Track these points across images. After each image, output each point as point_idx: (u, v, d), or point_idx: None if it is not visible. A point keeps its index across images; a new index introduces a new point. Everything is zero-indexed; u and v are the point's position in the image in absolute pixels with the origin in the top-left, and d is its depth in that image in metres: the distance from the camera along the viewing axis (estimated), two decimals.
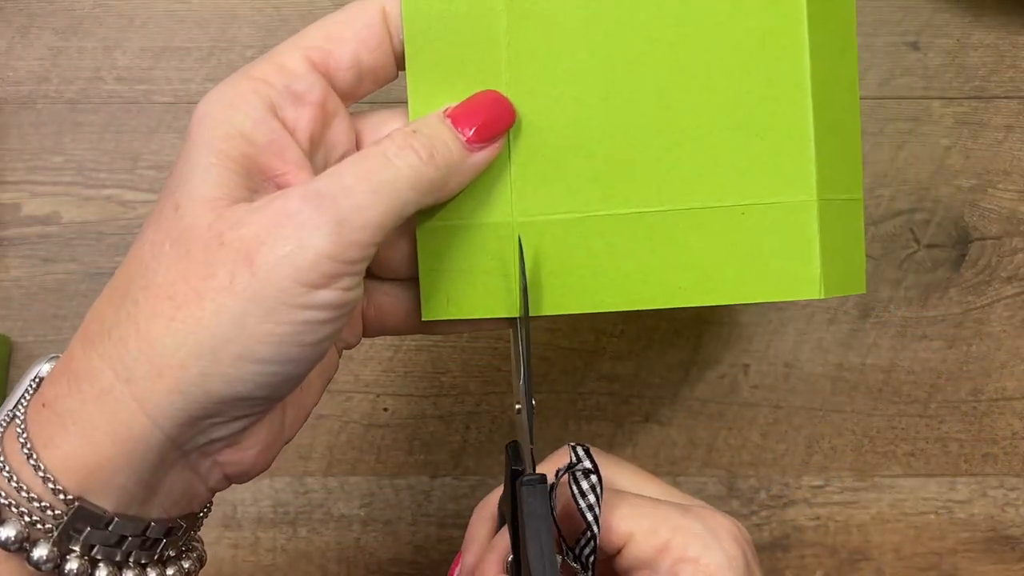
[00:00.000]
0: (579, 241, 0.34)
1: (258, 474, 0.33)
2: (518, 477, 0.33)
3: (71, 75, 0.50)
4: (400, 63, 0.34)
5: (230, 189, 0.30)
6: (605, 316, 0.52)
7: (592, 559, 0.34)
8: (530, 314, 0.34)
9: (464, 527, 0.52)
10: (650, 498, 0.35)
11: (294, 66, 0.32)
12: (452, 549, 0.52)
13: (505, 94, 0.34)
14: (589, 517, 0.33)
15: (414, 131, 0.31)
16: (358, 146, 0.35)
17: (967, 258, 0.51)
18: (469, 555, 0.39)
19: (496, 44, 0.34)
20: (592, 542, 0.33)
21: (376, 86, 0.35)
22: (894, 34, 0.51)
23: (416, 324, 0.36)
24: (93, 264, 0.50)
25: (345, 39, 0.33)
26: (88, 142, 0.50)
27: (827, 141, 0.33)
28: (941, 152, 0.51)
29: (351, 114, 0.35)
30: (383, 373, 0.52)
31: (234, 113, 0.31)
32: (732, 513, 0.52)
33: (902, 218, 0.51)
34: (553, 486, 0.34)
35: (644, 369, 0.52)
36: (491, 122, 0.33)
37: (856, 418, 0.52)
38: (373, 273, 0.36)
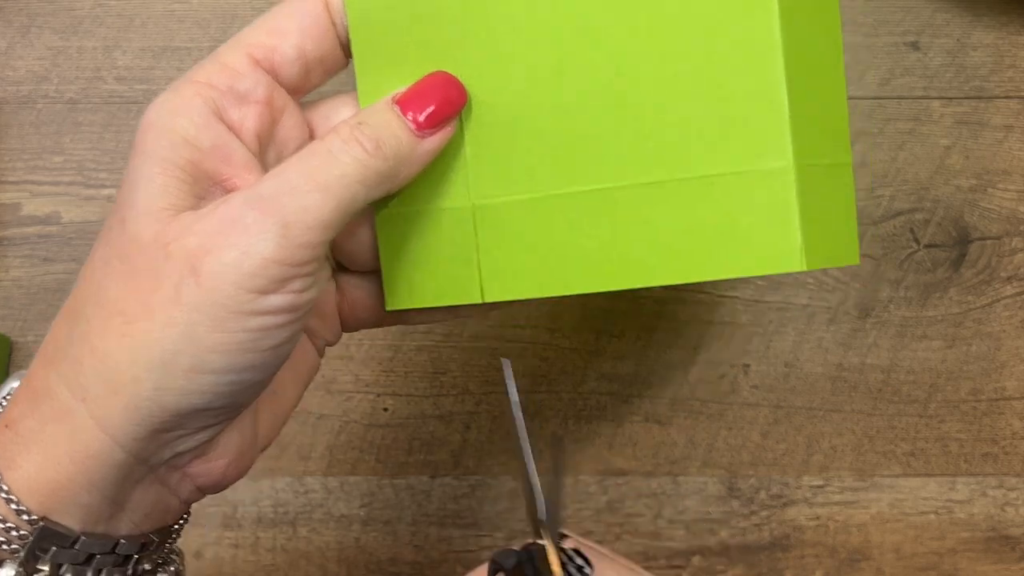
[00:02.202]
0: (540, 222, 0.32)
1: (232, 483, 0.33)
2: None
3: (71, 75, 0.50)
4: (348, 50, 0.34)
5: (175, 198, 0.30)
6: (606, 316, 0.52)
7: None
8: (493, 299, 0.33)
9: (464, 527, 0.52)
10: None
11: (237, 65, 0.32)
12: (452, 549, 0.52)
13: (455, 74, 0.32)
14: None
15: (359, 122, 0.30)
16: (311, 138, 0.34)
17: (967, 258, 0.51)
18: None
19: (443, 22, 0.33)
20: None
21: (327, 76, 0.34)
22: (894, 34, 0.51)
23: (391, 315, 0.36)
24: None
25: (288, 32, 0.32)
26: (88, 142, 0.50)
27: (805, 102, 0.31)
28: (941, 152, 0.51)
29: (304, 105, 0.34)
30: (383, 373, 0.52)
31: (177, 119, 0.31)
32: (732, 513, 0.52)
33: (902, 218, 0.51)
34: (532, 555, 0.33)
35: (644, 369, 0.52)
36: (441, 106, 0.32)
37: (856, 418, 0.52)
38: (343, 266, 0.36)
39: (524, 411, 0.34)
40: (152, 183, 0.30)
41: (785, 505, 0.52)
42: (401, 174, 0.31)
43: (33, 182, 0.50)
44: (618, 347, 0.52)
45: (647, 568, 0.52)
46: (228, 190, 0.31)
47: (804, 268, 0.30)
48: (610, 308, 0.52)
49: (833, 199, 0.32)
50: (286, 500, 0.52)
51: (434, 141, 0.32)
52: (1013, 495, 0.52)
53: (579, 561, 0.33)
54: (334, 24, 0.33)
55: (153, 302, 0.28)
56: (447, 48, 0.33)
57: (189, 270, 0.28)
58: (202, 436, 0.31)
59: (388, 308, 0.34)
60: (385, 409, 0.52)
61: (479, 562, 0.52)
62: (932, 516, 0.52)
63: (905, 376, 0.52)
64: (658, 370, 0.52)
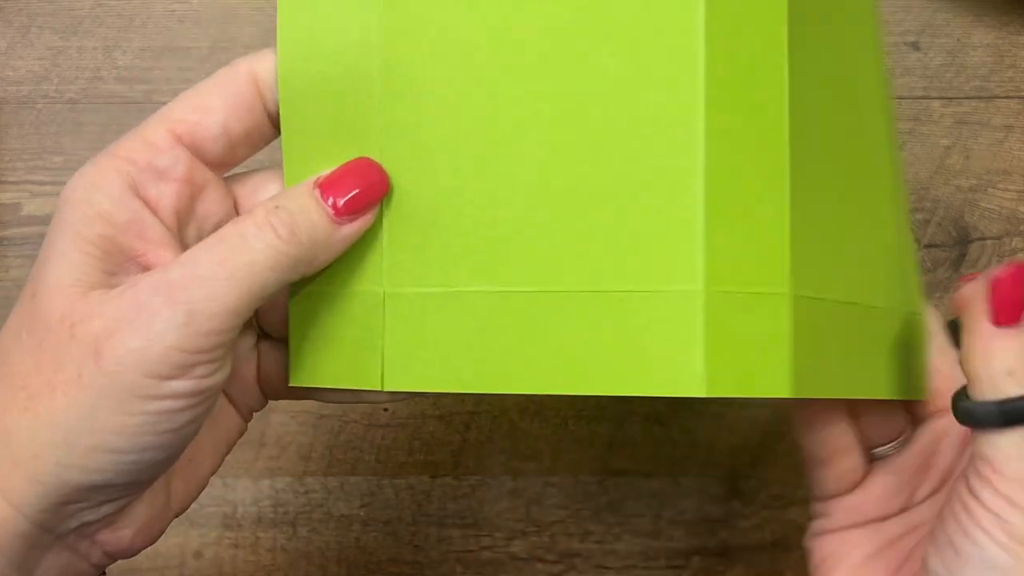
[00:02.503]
0: (448, 317, 0.32)
1: (141, 549, 0.33)
2: None
3: (71, 75, 0.50)
4: (277, 124, 0.33)
5: (84, 274, 0.30)
6: None
7: None
8: (392, 388, 0.32)
9: (464, 527, 0.52)
10: None
11: (158, 141, 0.32)
12: (452, 549, 0.52)
13: (381, 160, 0.32)
14: None
15: (276, 207, 0.30)
16: (236, 213, 0.34)
17: (967, 258, 0.51)
18: None
19: (372, 108, 0.32)
20: None
21: (253, 150, 0.34)
22: (894, 34, 0.51)
23: (303, 391, 0.35)
24: None
25: (212, 108, 0.32)
26: (88, 142, 0.50)
27: (739, 218, 0.30)
28: (941, 152, 0.51)
29: (232, 178, 0.34)
30: None
31: (94, 193, 0.31)
32: (732, 513, 0.52)
33: None
34: None
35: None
36: (362, 192, 0.31)
37: None
38: (266, 333, 0.36)
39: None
40: (63, 258, 0.30)
41: (785, 505, 0.52)
42: (318, 259, 0.31)
43: (33, 182, 0.50)
44: None
45: (647, 568, 0.52)
46: (143, 266, 0.31)
47: (706, 394, 0.30)
48: None
49: (759, 327, 0.30)
50: (286, 500, 0.52)
51: (352, 228, 0.31)
52: None
53: None
54: (263, 99, 0.33)
55: (56, 381, 0.29)
56: (374, 133, 0.32)
57: (92, 352, 0.28)
58: (108, 508, 0.31)
59: (290, 384, 0.34)
60: (385, 409, 0.52)
61: (479, 562, 0.52)
62: None
63: None
64: None
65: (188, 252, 0.30)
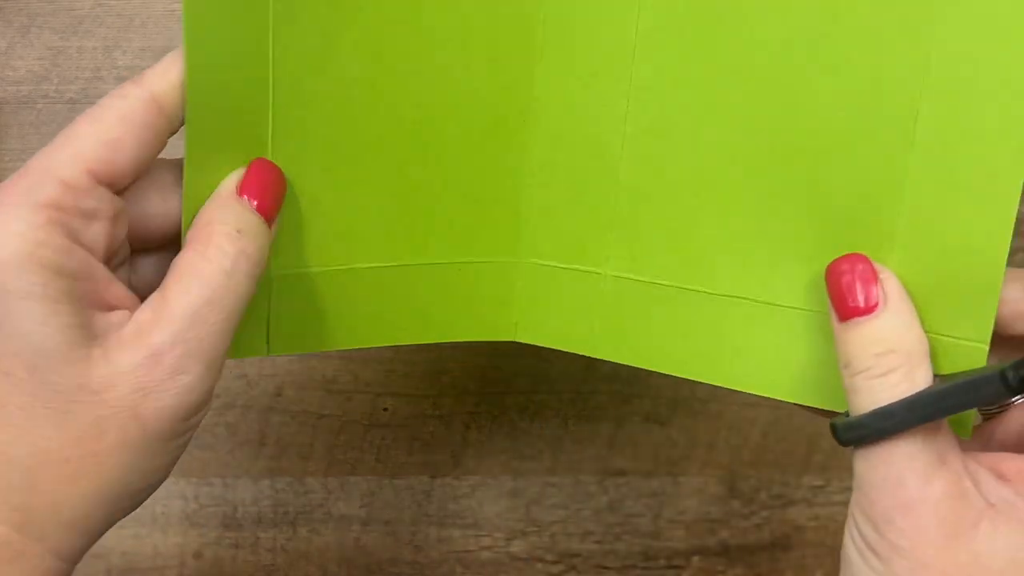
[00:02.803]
0: (323, 291, 0.36)
1: None
2: None
3: (71, 75, 0.50)
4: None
5: (73, 336, 0.30)
6: None
7: None
8: (276, 353, 0.36)
9: (464, 527, 0.52)
10: None
11: (78, 183, 0.31)
12: (452, 549, 0.52)
13: (270, 151, 0.35)
14: None
15: (238, 231, 0.32)
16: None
17: None
18: None
19: (264, 108, 0.34)
20: None
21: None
22: None
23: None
24: None
25: (123, 144, 0.32)
26: None
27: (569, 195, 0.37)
28: None
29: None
30: (383, 373, 0.52)
31: (41, 250, 0.30)
32: (732, 513, 0.52)
33: None
34: None
35: (644, 369, 0.52)
36: (276, 191, 0.34)
37: None
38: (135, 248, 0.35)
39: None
40: (45, 326, 0.30)
41: (785, 505, 0.52)
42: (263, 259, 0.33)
43: None
44: None
45: (647, 568, 0.52)
46: (102, 307, 0.31)
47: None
48: None
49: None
50: (286, 500, 0.52)
51: (274, 224, 0.34)
52: None
53: None
54: (169, 122, 0.33)
55: (99, 450, 0.30)
56: (266, 129, 0.35)
57: (131, 416, 0.30)
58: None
59: None
60: (385, 409, 0.52)
61: (479, 562, 0.52)
62: None
63: None
64: None
65: (178, 294, 0.31)
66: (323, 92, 0.35)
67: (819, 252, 0.33)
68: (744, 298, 0.35)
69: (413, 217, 0.37)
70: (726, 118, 0.34)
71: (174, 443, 0.31)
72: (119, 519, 0.32)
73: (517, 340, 0.38)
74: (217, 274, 0.31)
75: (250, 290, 0.32)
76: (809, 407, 0.36)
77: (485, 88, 0.36)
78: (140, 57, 0.51)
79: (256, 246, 0.32)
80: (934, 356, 0.31)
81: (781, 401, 0.36)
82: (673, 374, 0.37)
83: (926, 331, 0.31)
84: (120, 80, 0.51)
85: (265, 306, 0.36)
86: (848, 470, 0.53)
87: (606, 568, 0.52)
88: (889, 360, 0.30)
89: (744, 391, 0.36)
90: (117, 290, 0.32)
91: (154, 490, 0.32)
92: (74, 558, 0.31)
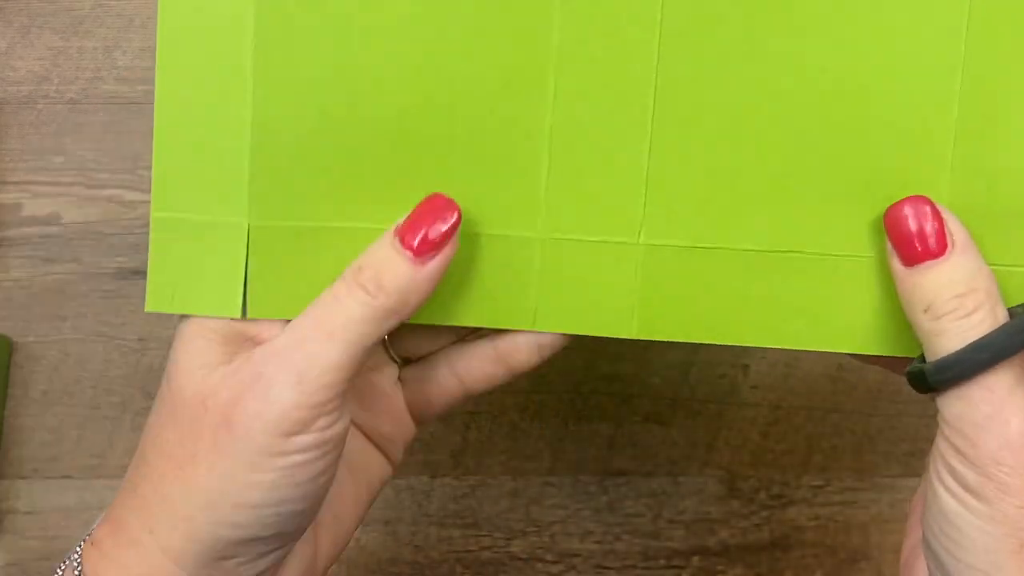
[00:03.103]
0: (311, 249, 0.34)
1: None
2: None
3: (71, 75, 0.50)
4: None
5: (210, 358, 0.33)
6: None
7: None
8: (254, 316, 0.34)
9: (464, 527, 0.52)
10: None
11: None
12: (452, 549, 0.52)
13: (251, 94, 0.33)
14: None
15: (360, 267, 0.32)
16: None
17: None
18: None
19: (241, 42, 0.33)
20: None
21: None
22: None
23: (461, 391, 0.38)
24: (94, 264, 0.50)
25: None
26: (89, 142, 0.50)
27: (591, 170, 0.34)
28: None
29: None
30: None
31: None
32: (732, 513, 0.52)
33: None
34: None
35: (644, 369, 0.52)
36: (435, 229, 0.33)
37: (856, 418, 0.52)
38: (417, 356, 0.38)
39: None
40: (191, 344, 0.33)
41: (785, 505, 0.52)
42: (410, 302, 0.33)
43: (34, 182, 0.50)
44: (618, 347, 0.52)
45: (647, 568, 0.52)
46: (257, 343, 0.34)
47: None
48: None
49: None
50: None
51: (435, 263, 0.33)
52: None
53: None
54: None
55: (196, 450, 0.32)
56: (247, 70, 0.33)
57: (223, 421, 0.32)
58: (263, 562, 0.33)
59: (147, 310, 0.34)
60: None
61: (479, 562, 0.52)
62: None
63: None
64: (658, 370, 0.52)
65: (293, 321, 0.33)
66: (314, 26, 0.33)
67: (869, 194, 0.33)
68: (795, 252, 0.34)
69: (414, 178, 0.34)
70: (764, 60, 0.33)
71: (273, 460, 0.31)
72: (227, 538, 0.32)
73: (536, 329, 0.35)
74: (329, 300, 0.32)
75: (367, 322, 0.32)
76: (872, 357, 0.36)
77: (498, 37, 0.33)
78: (140, 57, 0.51)
79: (375, 283, 0.32)
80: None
81: (836, 353, 0.35)
82: (729, 343, 0.35)
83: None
84: (120, 80, 0.51)
85: (240, 259, 0.34)
86: (848, 470, 0.53)
87: (606, 568, 0.52)
88: (972, 299, 0.31)
89: (806, 349, 0.35)
90: (275, 328, 0.34)
91: (264, 513, 0.32)
92: (186, 564, 0.32)
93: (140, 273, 0.50)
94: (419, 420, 0.39)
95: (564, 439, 0.52)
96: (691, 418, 0.52)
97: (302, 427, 0.32)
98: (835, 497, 0.52)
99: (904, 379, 0.34)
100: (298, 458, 0.32)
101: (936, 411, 0.32)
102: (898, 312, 0.33)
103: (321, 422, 0.32)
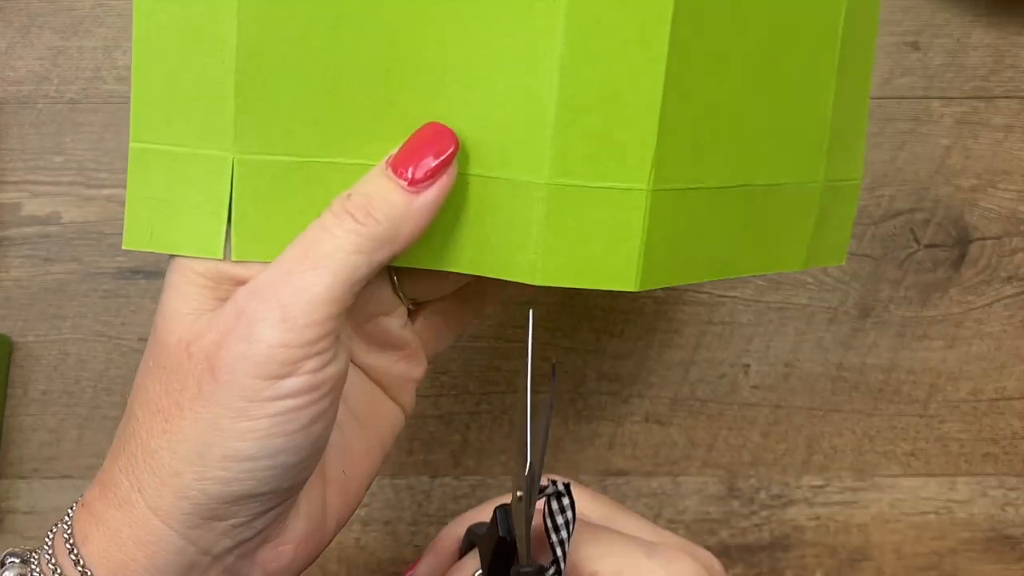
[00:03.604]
0: (298, 186, 0.31)
1: (306, 566, 0.34)
2: (505, 549, 0.33)
3: (71, 75, 0.50)
4: None
5: (197, 303, 0.31)
6: (606, 315, 0.52)
7: None
8: (240, 258, 0.32)
9: None
10: (619, 535, 0.35)
11: None
12: None
13: (235, 15, 0.31)
14: (559, 553, 0.33)
15: (348, 195, 0.30)
16: None
17: (967, 258, 0.51)
18: (424, 566, 0.39)
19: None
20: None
21: None
22: (894, 34, 0.51)
23: (473, 312, 0.37)
24: (94, 264, 0.50)
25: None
26: (89, 142, 0.50)
27: (599, 107, 0.31)
28: (941, 152, 0.51)
29: None
30: None
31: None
32: (732, 513, 0.52)
33: (902, 218, 0.51)
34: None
35: (644, 369, 0.52)
36: (431, 159, 0.31)
37: (856, 418, 0.52)
38: (428, 300, 0.36)
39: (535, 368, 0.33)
40: (177, 291, 0.31)
41: (785, 505, 0.52)
42: (403, 233, 0.31)
43: (33, 182, 0.50)
44: (618, 347, 0.52)
45: None
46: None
47: (536, 282, 0.32)
48: (610, 308, 0.52)
49: (608, 221, 0.32)
50: None
51: (431, 194, 0.31)
52: (1013, 495, 0.52)
53: (564, 502, 0.34)
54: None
55: (182, 400, 0.30)
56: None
57: (207, 367, 0.30)
58: (260, 522, 0.31)
59: (124, 247, 0.33)
60: None
61: None
62: (932, 516, 0.52)
63: (905, 376, 0.52)
64: (658, 370, 0.52)
65: (278, 256, 0.31)
66: None
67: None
68: (780, 184, 0.34)
69: (409, 110, 0.31)
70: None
71: (261, 407, 0.29)
72: (217, 495, 0.30)
73: (536, 283, 0.32)
74: (315, 228, 0.30)
75: (357, 252, 0.30)
76: None
77: None
78: None
79: (364, 209, 0.30)
80: None
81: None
82: (729, 277, 0.35)
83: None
84: (120, 80, 0.51)
85: (224, 195, 0.32)
86: (848, 470, 0.53)
87: None
88: None
89: (789, 271, 0.36)
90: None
91: (255, 466, 0.30)
92: (175, 525, 0.30)
93: (140, 273, 0.50)
94: (432, 354, 0.37)
95: (564, 439, 0.52)
96: (691, 418, 0.52)
97: (290, 369, 0.29)
98: (835, 497, 0.52)
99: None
100: (288, 403, 0.29)
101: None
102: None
103: (311, 363, 0.30)
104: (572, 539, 0.34)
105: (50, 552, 0.32)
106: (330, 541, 0.35)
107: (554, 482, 0.34)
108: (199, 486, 0.30)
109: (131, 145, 0.32)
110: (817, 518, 0.52)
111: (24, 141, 0.50)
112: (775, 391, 0.52)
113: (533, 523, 0.34)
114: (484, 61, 0.31)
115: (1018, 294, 0.52)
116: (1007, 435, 0.52)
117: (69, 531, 0.32)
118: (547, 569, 0.33)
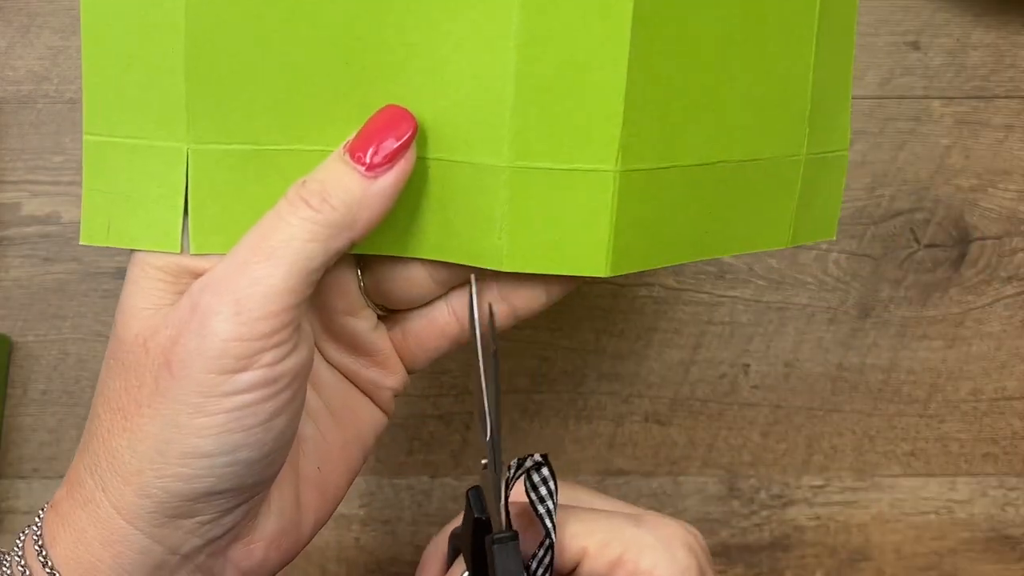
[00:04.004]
0: (254, 175, 0.31)
1: (277, 566, 0.33)
2: (483, 528, 0.33)
3: (71, 75, 0.50)
4: None
5: (156, 298, 0.30)
6: (606, 315, 0.52)
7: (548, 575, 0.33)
8: (199, 252, 0.31)
9: None
10: (600, 511, 0.35)
11: None
12: None
13: (183, 9, 0.30)
14: (548, 523, 0.33)
15: (303, 181, 0.30)
16: None
17: (967, 258, 0.51)
18: None
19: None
20: (550, 550, 0.33)
21: None
22: (894, 34, 0.51)
23: (458, 331, 0.35)
24: (93, 264, 0.50)
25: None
26: None
27: (564, 89, 0.30)
28: (941, 152, 0.51)
29: None
30: None
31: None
32: (732, 513, 0.52)
33: (902, 218, 0.51)
34: (507, 482, 0.33)
35: (644, 369, 0.52)
36: (390, 142, 0.30)
37: (856, 418, 0.52)
38: (399, 308, 0.35)
39: (492, 338, 0.32)
40: (136, 285, 0.31)
41: (785, 505, 0.52)
42: (361, 219, 0.30)
43: (33, 182, 0.50)
44: (618, 347, 0.52)
45: None
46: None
47: (504, 268, 0.31)
48: (610, 308, 0.52)
49: (576, 204, 0.31)
50: None
51: (389, 178, 0.30)
52: (1013, 495, 0.52)
53: (544, 473, 0.33)
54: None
55: (140, 397, 0.30)
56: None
57: (163, 362, 0.29)
58: (228, 520, 0.31)
59: (82, 242, 0.32)
60: None
61: None
62: (932, 516, 0.52)
63: (905, 376, 0.52)
64: (658, 370, 0.52)
65: (233, 247, 0.30)
66: None
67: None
68: (758, 159, 0.33)
69: (366, 94, 0.30)
70: None
71: (218, 402, 0.29)
72: (179, 492, 0.29)
73: (503, 269, 0.31)
74: (269, 217, 0.29)
75: (313, 240, 0.29)
76: None
77: None
78: None
79: (319, 195, 0.29)
80: None
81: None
82: (708, 258, 0.34)
83: None
84: None
85: (180, 187, 0.31)
86: (848, 470, 0.53)
87: None
88: None
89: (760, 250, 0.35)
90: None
91: (215, 463, 0.29)
92: (140, 524, 0.30)
93: None
94: (412, 365, 0.36)
95: (564, 439, 0.52)
96: (691, 418, 0.52)
97: (245, 363, 0.28)
98: (835, 497, 0.52)
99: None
100: (246, 398, 0.29)
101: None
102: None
103: (268, 356, 0.29)
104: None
105: (20, 554, 0.31)
106: (308, 540, 0.34)
107: (530, 455, 0.34)
108: (160, 484, 0.29)
109: (85, 138, 0.31)
110: (817, 518, 0.52)
111: (24, 141, 0.50)
112: (775, 391, 0.52)
113: (515, 502, 0.34)
114: (442, 41, 0.30)
115: (1018, 294, 0.52)
116: (1007, 435, 0.52)
117: (39, 532, 0.31)
118: (518, 535, 0.32)
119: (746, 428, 0.52)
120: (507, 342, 0.52)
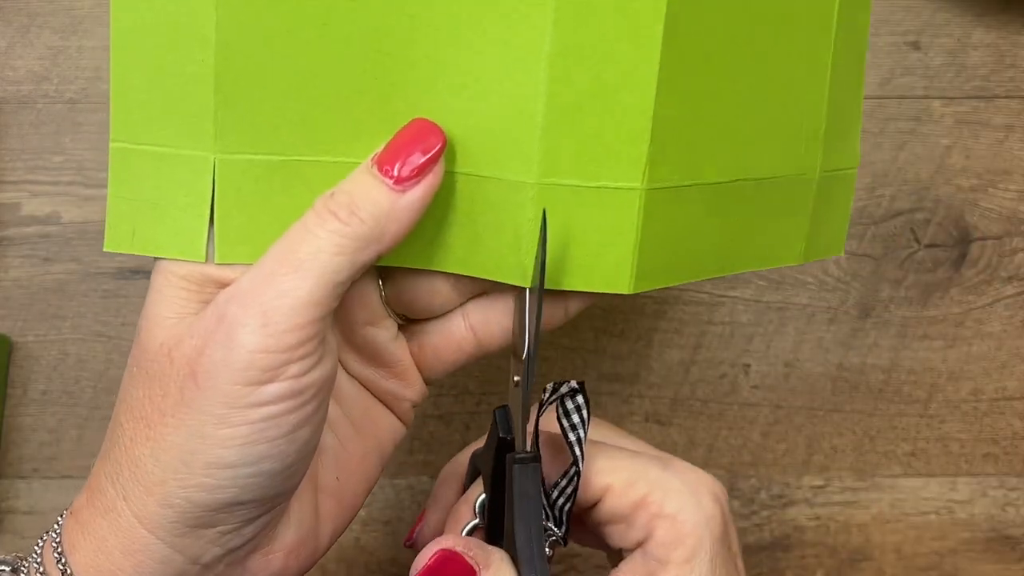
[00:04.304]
0: (280, 186, 0.31)
1: (299, 575, 0.33)
2: (506, 448, 0.32)
3: (71, 75, 0.50)
4: None
5: (180, 307, 0.30)
6: (606, 315, 0.52)
7: (569, 507, 0.33)
8: (223, 262, 0.31)
9: None
10: (628, 450, 0.34)
11: None
12: None
13: (213, 20, 0.30)
14: (577, 451, 0.32)
15: (332, 193, 0.30)
16: None
17: (967, 258, 0.51)
18: (433, 514, 0.38)
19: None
20: (575, 480, 0.32)
21: None
22: (895, 34, 0.51)
23: (474, 346, 0.35)
24: (93, 264, 0.50)
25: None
26: (88, 142, 0.50)
27: (591, 107, 0.30)
28: (942, 152, 0.51)
29: None
30: None
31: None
32: (732, 513, 0.52)
33: (902, 218, 0.51)
34: (540, 405, 0.32)
35: (644, 369, 0.52)
36: (418, 156, 0.30)
37: (856, 418, 0.52)
38: (418, 318, 0.35)
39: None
40: (160, 294, 0.31)
41: (786, 505, 0.52)
42: (388, 232, 0.30)
43: (33, 182, 0.50)
44: (618, 347, 0.52)
45: None
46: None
47: (522, 284, 0.31)
48: (610, 308, 0.52)
49: (601, 222, 0.31)
50: None
51: (417, 192, 0.30)
52: (1014, 495, 0.52)
53: (579, 400, 0.33)
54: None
55: (165, 407, 0.29)
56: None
57: (188, 373, 0.29)
58: (249, 530, 0.31)
59: (106, 249, 0.32)
60: None
61: None
62: (933, 516, 0.52)
63: (906, 376, 0.52)
64: (658, 370, 0.52)
65: (260, 258, 0.30)
66: None
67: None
68: (775, 177, 0.34)
69: (395, 107, 0.30)
70: None
71: (243, 413, 0.29)
72: (202, 503, 0.29)
73: (527, 285, 0.31)
74: (297, 229, 0.29)
75: (340, 253, 0.29)
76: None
77: None
78: None
79: (347, 208, 0.29)
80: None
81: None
82: (724, 275, 0.34)
83: None
84: None
85: (206, 196, 0.31)
86: (848, 470, 0.53)
87: (606, 568, 0.52)
88: None
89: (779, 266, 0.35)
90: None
91: (239, 474, 0.29)
92: (161, 534, 0.30)
93: (140, 272, 0.50)
94: (429, 377, 0.36)
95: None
96: (691, 418, 0.52)
97: (272, 375, 0.28)
98: (835, 497, 0.52)
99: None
100: (271, 409, 0.29)
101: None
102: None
103: (294, 368, 0.29)
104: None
105: (39, 561, 0.32)
106: (326, 550, 0.34)
107: (566, 381, 0.33)
108: (183, 494, 0.29)
109: (111, 145, 0.31)
110: (817, 518, 0.52)
111: (24, 141, 0.50)
112: (775, 391, 0.52)
113: (543, 431, 0.33)
114: (473, 57, 0.30)
115: (1018, 294, 0.52)
116: (1008, 435, 0.52)
117: (58, 539, 0.31)
118: (540, 457, 0.31)
119: (746, 428, 0.52)
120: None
